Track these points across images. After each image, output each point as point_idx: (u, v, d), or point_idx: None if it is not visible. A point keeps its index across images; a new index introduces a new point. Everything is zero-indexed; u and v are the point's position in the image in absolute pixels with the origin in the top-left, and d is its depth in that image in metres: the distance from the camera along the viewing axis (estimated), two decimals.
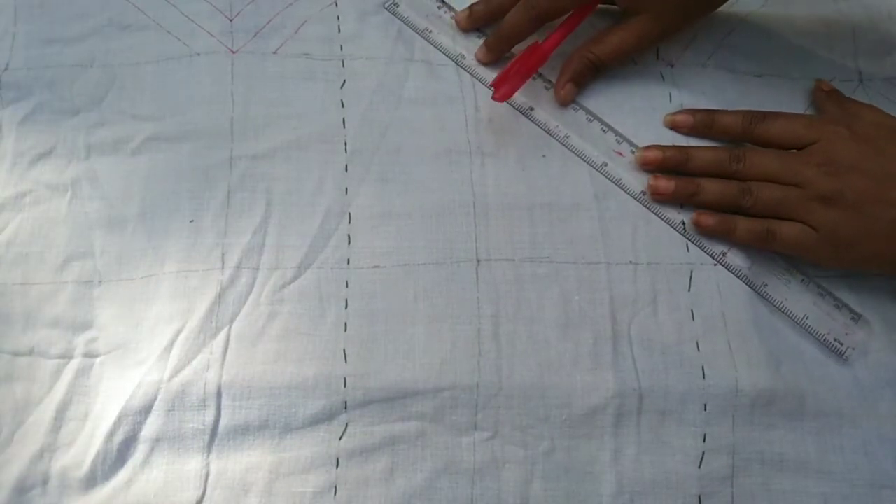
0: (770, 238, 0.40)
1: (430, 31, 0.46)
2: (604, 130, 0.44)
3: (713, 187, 0.41)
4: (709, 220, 0.41)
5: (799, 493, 0.37)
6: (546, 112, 0.44)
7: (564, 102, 0.44)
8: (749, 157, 0.41)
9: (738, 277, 0.41)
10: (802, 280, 0.41)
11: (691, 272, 0.41)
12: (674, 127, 0.44)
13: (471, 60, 0.46)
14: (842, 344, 0.39)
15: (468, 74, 0.45)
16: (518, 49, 0.45)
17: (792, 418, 0.38)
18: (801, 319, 0.40)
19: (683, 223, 0.42)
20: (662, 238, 0.41)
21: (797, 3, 0.49)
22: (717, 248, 0.41)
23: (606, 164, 0.43)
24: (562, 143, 0.43)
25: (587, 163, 0.43)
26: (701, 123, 0.43)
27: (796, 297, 0.41)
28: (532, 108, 0.44)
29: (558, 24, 0.44)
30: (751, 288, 0.40)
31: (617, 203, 0.42)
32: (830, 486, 0.37)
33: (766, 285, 0.41)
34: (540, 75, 0.45)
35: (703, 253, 0.41)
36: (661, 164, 0.42)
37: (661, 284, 0.40)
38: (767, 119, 0.42)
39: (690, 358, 0.38)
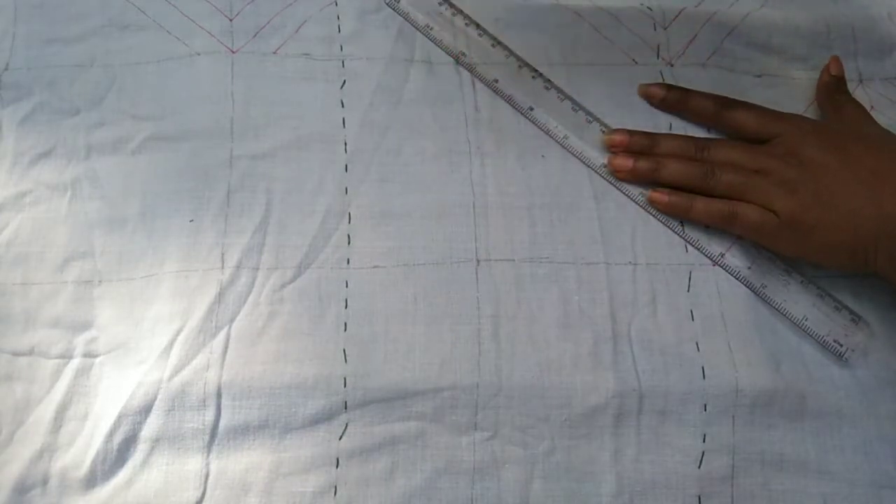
0: (731, 217, 0.40)
1: (431, 28, 0.46)
2: (603, 132, 0.44)
3: (675, 165, 0.42)
4: (663, 197, 0.41)
5: (799, 493, 0.37)
6: (545, 112, 0.44)
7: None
8: (714, 146, 0.42)
9: (737, 279, 0.41)
10: (801, 281, 0.41)
11: (690, 273, 0.41)
12: (646, 97, 0.45)
13: (472, 58, 0.45)
14: (841, 345, 0.39)
15: (468, 74, 0.45)
16: None
17: (792, 418, 0.38)
18: (800, 321, 0.40)
19: (682, 224, 0.42)
20: (661, 239, 0.41)
21: (797, 3, 0.49)
22: (716, 250, 0.41)
23: (606, 166, 0.43)
24: (561, 144, 0.44)
25: (586, 164, 0.43)
26: (673, 99, 0.44)
27: (795, 298, 0.41)
28: (532, 108, 0.44)
29: None
30: (750, 289, 0.40)
31: (616, 204, 0.42)
32: (830, 486, 0.37)
33: (766, 287, 0.41)
34: (540, 75, 0.45)
35: (702, 254, 0.41)
36: (626, 147, 0.42)
37: (660, 285, 0.40)
38: (738, 106, 0.43)
39: (690, 358, 0.38)
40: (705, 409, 0.38)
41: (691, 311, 0.40)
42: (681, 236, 0.41)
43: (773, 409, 0.38)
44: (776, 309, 0.40)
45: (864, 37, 0.48)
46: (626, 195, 0.42)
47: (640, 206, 0.42)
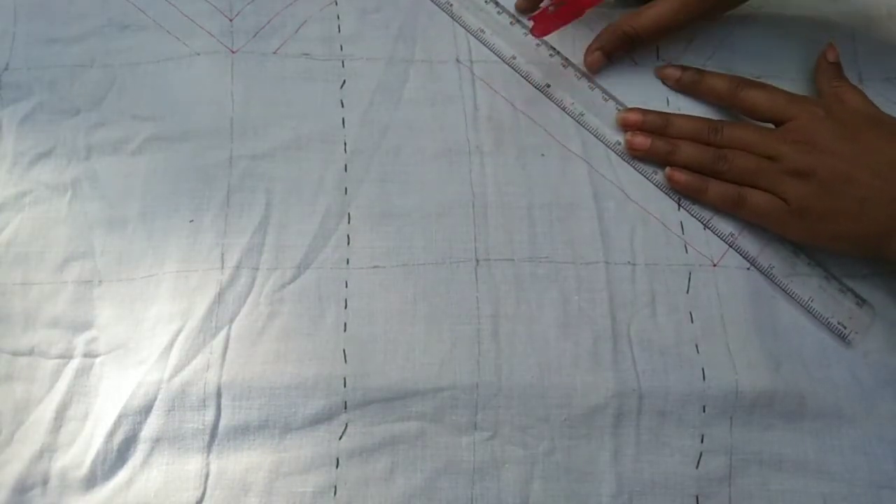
0: (741, 203, 0.41)
1: (451, 6, 0.47)
2: (618, 110, 0.44)
3: (689, 149, 0.42)
4: (681, 176, 0.42)
5: (798, 493, 0.37)
6: (562, 89, 0.44)
7: (590, 68, 0.45)
8: (727, 129, 0.42)
9: (746, 259, 0.41)
10: (809, 263, 0.41)
11: (690, 274, 0.41)
12: (662, 78, 0.45)
13: (490, 34, 0.46)
14: (845, 327, 0.40)
15: (469, 73, 0.45)
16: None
17: (791, 419, 0.38)
18: (806, 302, 0.40)
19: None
20: (660, 239, 0.41)
21: (797, 4, 0.49)
22: (727, 230, 0.41)
23: (620, 143, 0.43)
24: (577, 121, 0.44)
25: (601, 140, 0.43)
26: (688, 79, 0.45)
27: (802, 279, 0.41)
28: (548, 85, 0.45)
29: None
30: (758, 270, 0.41)
31: (615, 203, 0.42)
32: (830, 486, 0.38)
33: (773, 267, 0.41)
34: (557, 53, 0.45)
35: (702, 255, 0.41)
36: (640, 127, 0.43)
37: (660, 285, 0.40)
38: (754, 87, 0.43)
39: (690, 359, 0.39)
40: (704, 411, 0.38)
41: (691, 313, 0.40)
42: (680, 237, 0.41)
43: (773, 409, 0.38)
44: (782, 290, 0.41)
45: (864, 37, 0.48)
46: (639, 172, 0.43)
47: (639, 206, 0.42)
